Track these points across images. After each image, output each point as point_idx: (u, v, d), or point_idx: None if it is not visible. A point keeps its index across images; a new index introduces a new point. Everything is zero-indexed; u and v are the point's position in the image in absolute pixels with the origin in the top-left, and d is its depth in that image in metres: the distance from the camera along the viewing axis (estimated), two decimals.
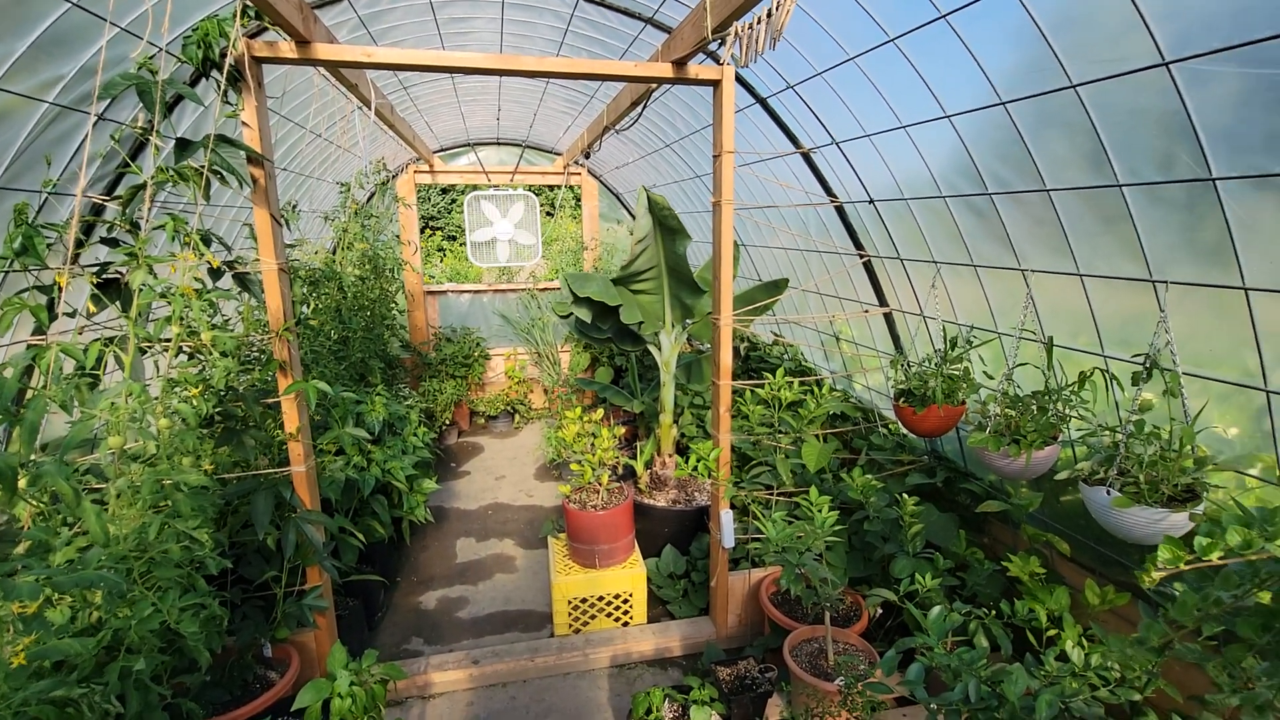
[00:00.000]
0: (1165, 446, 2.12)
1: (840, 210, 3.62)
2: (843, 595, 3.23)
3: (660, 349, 4.28)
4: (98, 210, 2.70)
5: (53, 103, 2.23)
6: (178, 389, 2.35)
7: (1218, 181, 1.77)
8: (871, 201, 3.32)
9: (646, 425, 5.25)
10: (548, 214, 11.55)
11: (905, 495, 3.08)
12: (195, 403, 2.19)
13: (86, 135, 2.25)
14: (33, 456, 1.69)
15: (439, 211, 14.01)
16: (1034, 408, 2.57)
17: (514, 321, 7.54)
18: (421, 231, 9.51)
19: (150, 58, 2.24)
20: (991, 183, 2.56)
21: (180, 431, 2.17)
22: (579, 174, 7.32)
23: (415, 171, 6.82)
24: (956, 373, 2.93)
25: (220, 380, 2.34)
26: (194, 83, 2.86)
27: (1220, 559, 0.95)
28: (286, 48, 2.53)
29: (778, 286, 4.08)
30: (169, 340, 2.34)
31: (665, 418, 4.33)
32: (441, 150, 7.17)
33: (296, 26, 2.41)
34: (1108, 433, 2.30)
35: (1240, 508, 1.07)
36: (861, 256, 3.66)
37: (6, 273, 2.50)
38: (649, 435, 5.15)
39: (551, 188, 11.35)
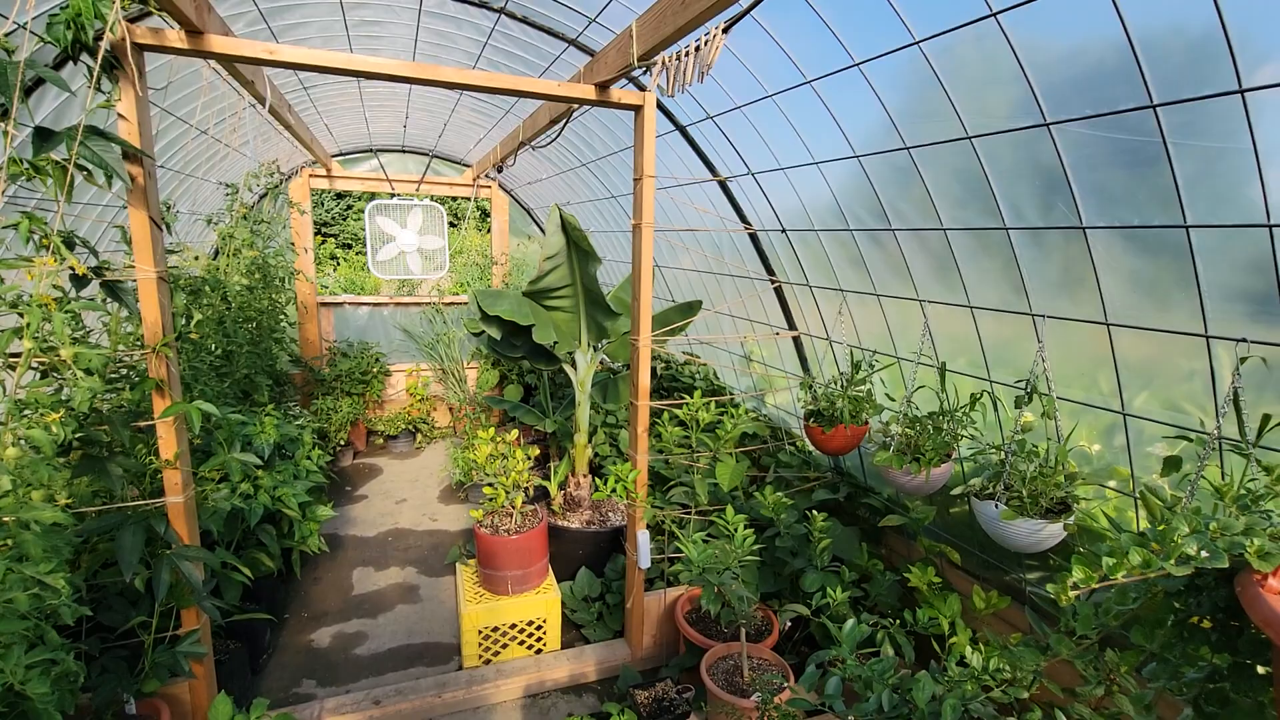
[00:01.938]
0: (1043, 463, 2.35)
1: (754, 237, 3.77)
2: (755, 611, 3.31)
3: (576, 368, 4.24)
4: None
5: None
6: (28, 412, 2.05)
7: (1087, 230, 2.01)
8: (784, 230, 3.49)
9: (559, 444, 5.17)
10: (451, 225, 11.21)
11: (814, 511, 3.22)
12: (54, 428, 1.91)
13: None
14: None
15: (333, 218, 13.26)
16: (930, 428, 2.77)
17: (417, 336, 7.22)
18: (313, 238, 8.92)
19: (6, 35, 1.96)
20: (894, 218, 2.76)
21: (33, 462, 1.89)
22: (489, 187, 7.17)
23: (311, 175, 6.41)
24: (861, 394, 3.11)
25: (83, 402, 2.06)
26: (58, 66, 2.55)
27: (1124, 578, 1.06)
28: (175, 36, 2.30)
29: (692, 308, 4.17)
30: (17, 356, 2.03)
31: (580, 438, 4.28)
32: (341, 154, 6.78)
33: (188, 15, 2.20)
34: (995, 451, 2.52)
35: (1116, 526, 1.19)
36: (773, 282, 3.82)
37: None
38: (561, 455, 5.07)
39: (455, 199, 11.04)
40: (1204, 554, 0.99)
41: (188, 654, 2.61)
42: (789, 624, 3.31)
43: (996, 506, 2.35)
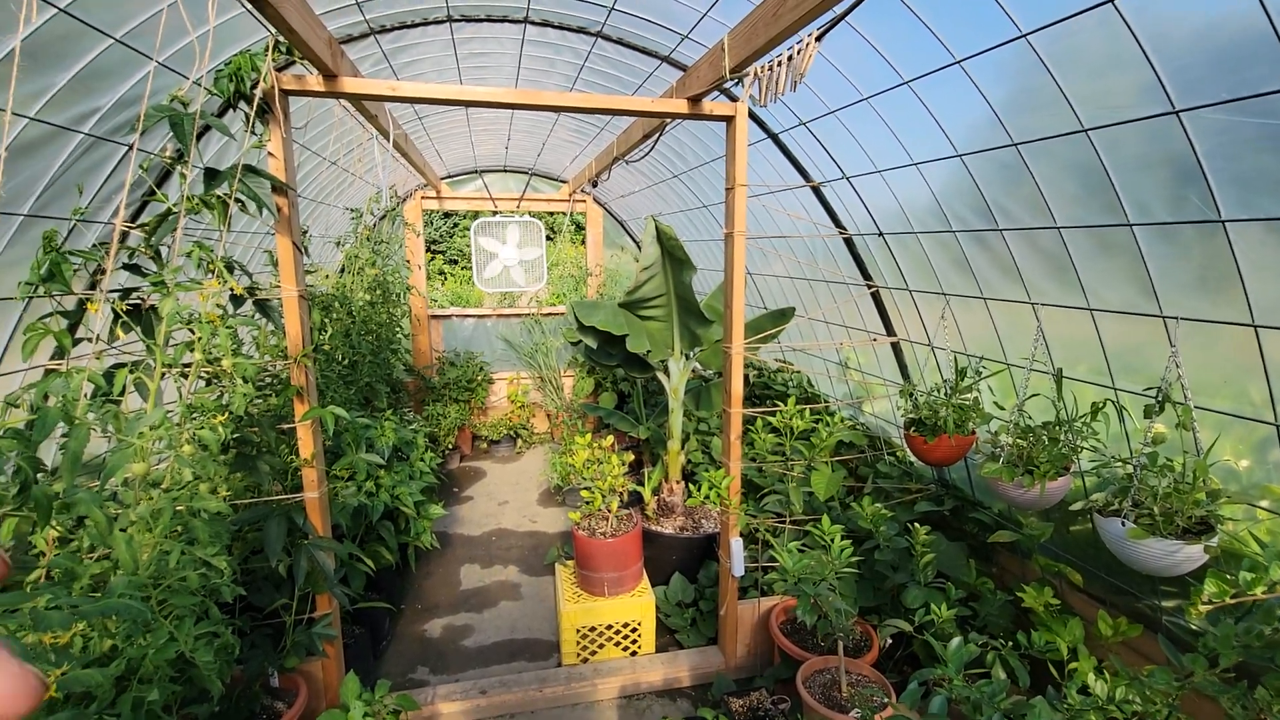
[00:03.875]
0: (1179, 479, 2.15)
1: (849, 242, 3.69)
2: (853, 625, 3.22)
3: (669, 376, 4.31)
4: (122, 237, 2.73)
5: (88, 134, 2.27)
6: (196, 415, 2.36)
7: (1227, 224, 1.84)
8: (881, 234, 3.39)
9: (651, 451, 5.26)
10: (547, 238, 11.65)
11: (916, 524, 3.09)
12: (220, 429, 2.20)
13: (124, 165, 2.29)
14: (61, 485, 1.69)
15: (441, 235, 14.11)
16: (1045, 438, 2.60)
17: (517, 346, 7.56)
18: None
19: (182, 90, 2.29)
20: (1001, 217, 2.63)
21: (202, 458, 2.18)
22: (584, 201, 7.42)
23: (423, 197, 6.90)
24: (967, 402, 2.96)
25: (240, 406, 2.35)
26: (220, 114, 2.93)
27: (1264, 594, 0.97)
28: (314, 81, 2.59)
29: (784, 315, 4.13)
30: (189, 366, 2.35)
31: (673, 444, 4.34)
32: (449, 177, 7.26)
33: (325, 61, 2.47)
34: (1121, 464, 2.34)
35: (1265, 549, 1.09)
36: (870, 287, 3.72)
37: (30, 298, 2.52)
38: (653, 461, 5.15)
39: (552, 214, 11.48)
40: None
41: (321, 635, 2.89)
42: (889, 641, 3.19)
43: (1123, 524, 2.18)
